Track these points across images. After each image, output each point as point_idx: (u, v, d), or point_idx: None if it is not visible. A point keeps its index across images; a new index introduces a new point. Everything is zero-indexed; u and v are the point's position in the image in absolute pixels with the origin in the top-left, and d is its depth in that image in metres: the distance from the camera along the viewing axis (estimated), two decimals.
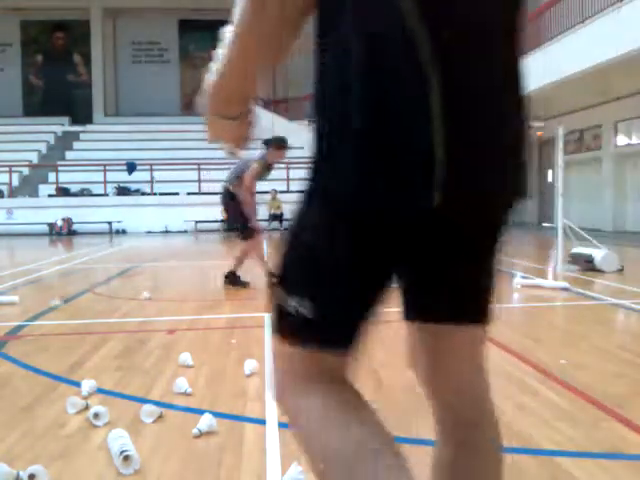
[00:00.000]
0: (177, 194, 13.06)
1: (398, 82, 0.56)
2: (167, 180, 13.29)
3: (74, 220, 12.04)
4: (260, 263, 4.13)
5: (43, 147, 15.07)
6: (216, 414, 1.62)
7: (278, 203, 12.22)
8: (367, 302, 0.69)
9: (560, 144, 4.99)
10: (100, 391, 1.87)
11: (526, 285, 4.09)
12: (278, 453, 1.42)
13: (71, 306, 3.61)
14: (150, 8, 18.15)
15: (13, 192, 13.05)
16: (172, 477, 1.33)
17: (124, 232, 12.25)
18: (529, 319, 3.20)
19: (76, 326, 3.03)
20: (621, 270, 4.64)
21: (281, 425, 1.60)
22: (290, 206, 12.58)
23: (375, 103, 0.57)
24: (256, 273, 4.35)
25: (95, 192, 13.15)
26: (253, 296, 3.74)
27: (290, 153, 15.76)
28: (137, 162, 13.09)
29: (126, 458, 1.34)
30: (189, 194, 13.14)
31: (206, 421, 1.56)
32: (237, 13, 0.66)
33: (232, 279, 4.02)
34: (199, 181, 13.17)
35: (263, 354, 2.33)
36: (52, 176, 13.37)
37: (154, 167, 13.23)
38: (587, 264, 4.71)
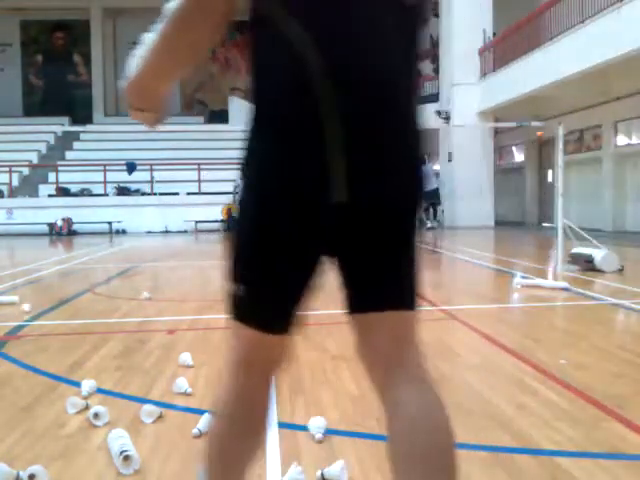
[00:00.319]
0: (177, 194, 13.06)
1: (304, 114, 0.68)
2: (167, 180, 13.28)
3: (74, 220, 12.04)
4: None
5: (43, 147, 15.07)
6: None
7: None
8: (292, 289, 0.80)
9: (560, 144, 4.99)
10: (100, 391, 1.87)
11: (526, 285, 4.09)
12: (278, 453, 1.42)
13: (71, 306, 3.61)
14: (150, 8, 18.05)
15: (13, 192, 13.04)
16: (172, 477, 1.33)
17: (124, 232, 12.25)
18: (529, 319, 3.20)
19: (76, 326, 3.03)
20: (621, 270, 4.64)
21: (281, 425, 1.60)
22: None
23: (284, 124, 0.69)
24: None
25: (95, 192, 13.15)
26: None
27: None
28: (137, 162, 13.09)
29: (126, 458, 1.34)
30: (189, 194, 13.14)
31: (206, 421, 1.55)
32: (167, 17, 0.74)
33: None
34: (199, 181, 13.17)
35: None
36: (52, 176, 13.36)
37: (154, 167, 13.22)
38: (587, 264, 4.71)
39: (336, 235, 0.76)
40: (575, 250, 4.91)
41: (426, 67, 16.10)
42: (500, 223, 12.73)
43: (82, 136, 15.82)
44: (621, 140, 10.37)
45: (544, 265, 5.47)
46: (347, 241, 0.78)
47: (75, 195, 12.91)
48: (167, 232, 12.43)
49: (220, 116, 17.53)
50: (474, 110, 12.05)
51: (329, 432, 1.52)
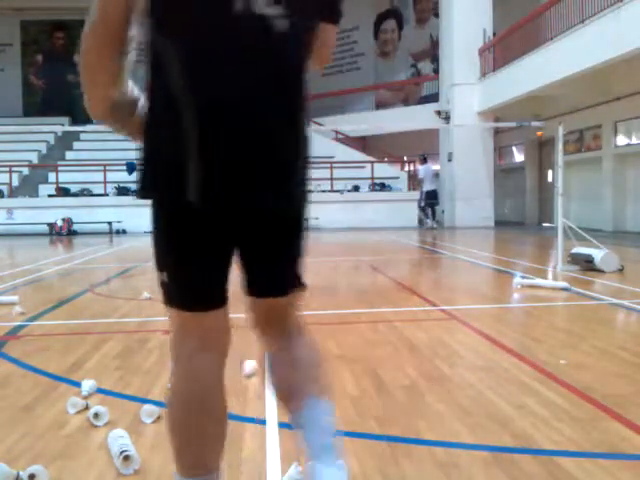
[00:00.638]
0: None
1: (174, 133, 0.84)
2: None
3: (74, 220, 12.03)
4: None
5: (43, 147, 15.06)
6: None
7: None
8: (205, 273, 0.93)
9: (560, 144, 4.98)
10: (100, 391, 1.87)
11: (526, 285, 4.09)
12: (278, 453, 1.42)
13: (71, 306, 3.61)
14: None
15: (13, 192, 13.03)
16: (172, 477, 1.33)
17: (124, 232, 12.24)
18: (529, 319, 3.20)
19: (76, 326, 3.03)
20: (621, 270, 4.64)
21: (281, 425, 1.60)
22: None
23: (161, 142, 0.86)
24: None
25: (95, 192, 13.14)
26: None
27: None
28: (137, 162, 13.06)
29: (126, 458, 1.34)
30: None
31: None
32: (83, 35, 0.87)
33: None
34: None
35: (263, 354, 2.33)
36: (52, 176, 13.35)
37: None
38: (587, 264, 4.71)
39: (226, 230, 0.91)
40: (575, 250, 4.91)
41: (426, 67, 16.12)
42: (500, 223, 12.73)
43: (82, 136, 15.81)
44: (621, 140, 10.37)
45: (544, 265, 5.46)
46: (236, 236, 0.93)
47: (75, 195, 12.90)
48: None
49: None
50: (474, 110, 12.04)
51: None
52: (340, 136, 15.50)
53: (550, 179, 12.47)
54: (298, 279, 1.02)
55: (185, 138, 0.82)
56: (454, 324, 2.94)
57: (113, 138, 15.54)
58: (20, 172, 13.64)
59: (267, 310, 1.03)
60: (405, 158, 12.27)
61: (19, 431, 1.57)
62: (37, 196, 12.99)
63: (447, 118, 12.47)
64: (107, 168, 13.00)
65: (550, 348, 2.41)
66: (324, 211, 12.39)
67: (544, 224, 12.65)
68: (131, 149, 14.07)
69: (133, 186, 13.58)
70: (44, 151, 15.04)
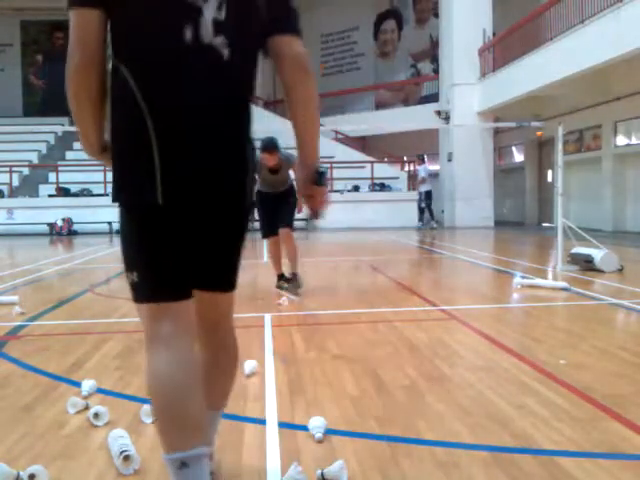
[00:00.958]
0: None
1: (137, 143, 0.96)
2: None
3: (74, 220, 12.02)
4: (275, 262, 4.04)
5: (43, 147, 15.05)
6: None
7: None
8: (175, 267, 1.02)
9: (560, 144, 4.98)
10: (100, 391, 1.87)
11: (526, 285, 4.09)
12: (278, 453, 1.42)
13: (71, 306, 3.60)
14: None
15: (13, 192, 13.02)
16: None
17: None
18: (529, 319, 3.20)
19: (76, 326, 3.03)
20: (621, 270, 4.64)
21: (281, 425, 1.60)
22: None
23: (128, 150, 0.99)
24: (255, 273, 4.35)
25: (95, 192, 13.13)
26: (252, 296, 3.74)
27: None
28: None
29: (126, 458, 1.34)
30: None
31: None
32: (67, 78, 0.98)
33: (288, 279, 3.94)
34: None
35: (263, 354, 2.33)
36: (52, 176, 13.34)
37: None
38: (587, 264, 4.71)
39: (188, 226, 1.02)
40: (575, 250, 4.90)
41: (426, 67, 16.12)
42: (500, 223, 12.73)
43: None
44: (621, 140, 10.37)
45: (544, 265, 5.46)
46: (180, 231, 1.03)
47: (75, 195, 12.89)
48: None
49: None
50: (474, 110, 12.04)
51: (329, 432, 1.52)
52: (340, 136, 15.50)
53: (550, 179, 12.47)
54: (235, 280, 1.14)
55: (149, 151, 0.96)
56: (454, 324, 2.94)
57: None
58: (20, 172, 13.64)
59: (207, 302, 1.11)
60: (405, 158, 12.26)
61: (19, 431, 1.58)
62: (37, 196, 12.99)
63: (447, 118, 12.47)
64: (107, 168, 12.94)
65: (550, 348, 2.41)
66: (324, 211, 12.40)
67: (544, 224, 12.65)
68: None
69: None
70: (44, 151, 15.03)
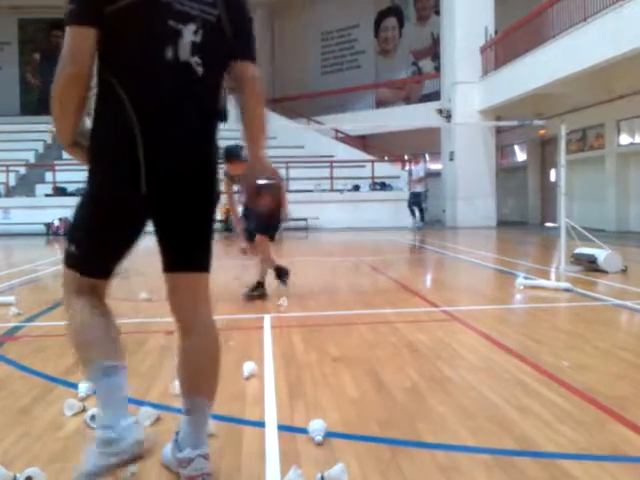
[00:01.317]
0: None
1: (120, 142, 1.15)
2: None
3: None
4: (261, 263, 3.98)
5: (40, 146, 15.01)
6: (214, 417, 1.60)
7: None
8: (109, 249, 1.23)
9: (563, 143, 4.96)
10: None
11: (528, 286, 4.06)
12: (277, 456, 1.41)
13: None
14: None
15: (10, 192, 13.02)
16: (170, 479, 1.32)
17: None
18: (531, 320, 3.18)
19: None
20: (624, 270, 4.61)
21: (280, 428, 1.58)
22: (290, 206, 12.56)
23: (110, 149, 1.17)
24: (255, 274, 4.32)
25: None
26: (252, 297, 3.72)
27: (290, 152, 15.54)
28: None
29: None
30: None
31: None
32: (56, 75, 1.14)
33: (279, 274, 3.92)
34: None
35: (262, 356, 2.31)
36: (49, 176, 13.33)
37: None
38: (590, 264, 4.68)
39: (149, 213, 1.21)
40: (578, 250, 4.88)
41: (427, 65, 16.08)
42: (502, 223, 12.70)
43: None
44: (624, 139, 10.32)
45: (547, 265, 5.44)
46: (157, 218, 1.23)
47: (72, 195, 12.85)
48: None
49: (219, 115, 17.47)
50: (476, 109, 12.00)
51: (329, 435, 1.51)
52: (340, 135, 15.47)
53: (553, 178, 12.43)
54: (209, 261, 1.29)
55: (136, 150, 1.13)
56: (455, 325, 2.92)
57: None
58: (17, 171, 13.62)
59: (183, 285, 1.27)
60: (406, 157, 12.23)
61: (16, 433, 1.56)
62: (34, 196, 12.96)
63: (448, 117, 12.44)
64: None
65: (552, 349, 2.39)
66: (324, 211, 12.38)
67: (547, 224, 12.62)
68: None
69: None
70: (41, 150, 15.01)
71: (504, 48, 11.06)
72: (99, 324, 1.23)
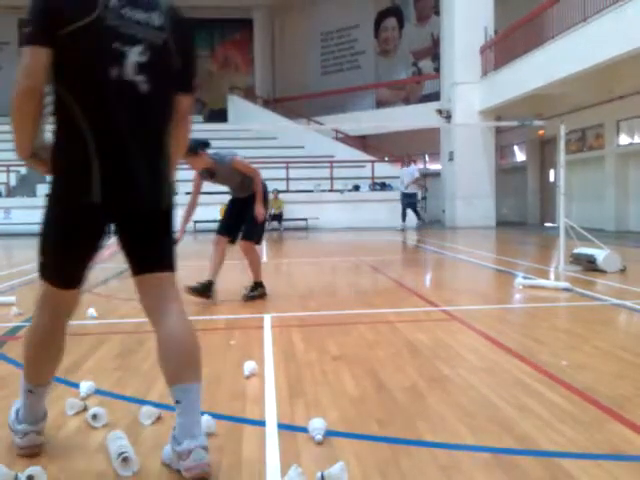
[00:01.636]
0: (176, 194, 13.01)
1: (80, 156, 1.27)
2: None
3: None
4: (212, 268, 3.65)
5: None
6: (215, 416, 1.61)
7: (280, 203, 12.16)
8: (76, 263, 1.36)
9: (562, 143, 4.96)
10: (99, 392, 1.86)
11: (528, 285, 4.07)
12: (278, 455, 1.41)
13: None
14: None
15: (11, 192, 13.02)
16: (171, 479, 1.32)
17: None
18: (531, 320, 3.19)
19: (74, 327, 3.00)
20: (623, 270, 4.62)
21: (280, 427, 1.59)
22: (290, 206, 12.59)
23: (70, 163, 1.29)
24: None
25: None
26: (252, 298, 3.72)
27: (290, 152, 15.49)
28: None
29: (125, 460, 1.34)
30: (187, 193, 13.12)
31: (205, 423, 1.54)
32: (13, 94, 1.23)
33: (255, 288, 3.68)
34: None
35: (262, 356, 2.32)
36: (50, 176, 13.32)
37: None
38: (589, 264, 4.69)
39: (107, 222, 1.34)
40: (577, 250, 4.89)
41: (427, 65, 16.09)
42: (502, 223, 12.70)
43: None
44: (624, 139, 10.34)
45: (546, 265, 5.45)
46: (118, 226, 1.36)
47: None
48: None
49: (219, 115, 17.50)
50: (475, 109, 12.01)
51: (329, 433, 1.51)
52: (340, 135, 15.48)
53: (552, 178, 12.44)
54: (173, 261, 1.42)
55: (89, 162, 1.25)
56: (455, 325, 2.93)
57: None
58: (18, 172, 13.61)
59: (152, 285, 1.39)
60: (408, 157, 12.23)
61: None
62: (35, 196, 12.93)
63: (448, 117, 12.44)
64: None
65: (552, 349, 2.40)
66: (324, 211, 12.38)
67: (546, 224, 12.63)
68: None
69: None
70: None
71: (504, 48, 11.07)
72: (49, 349, 1.40)
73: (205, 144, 3.45)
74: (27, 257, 7.16)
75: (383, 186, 13.03)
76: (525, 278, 4.33)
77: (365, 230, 11.43)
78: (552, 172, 12.46)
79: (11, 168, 13.07)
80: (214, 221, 11.88)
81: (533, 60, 9.67)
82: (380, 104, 16.78)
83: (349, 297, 3.97)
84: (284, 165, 12.90)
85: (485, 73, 11.87)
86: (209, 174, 3.58)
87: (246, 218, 3.62)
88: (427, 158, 16.73)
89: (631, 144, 10.14)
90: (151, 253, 1.39)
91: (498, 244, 8.77)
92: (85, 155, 1.24)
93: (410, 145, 14.39)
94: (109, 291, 4.24)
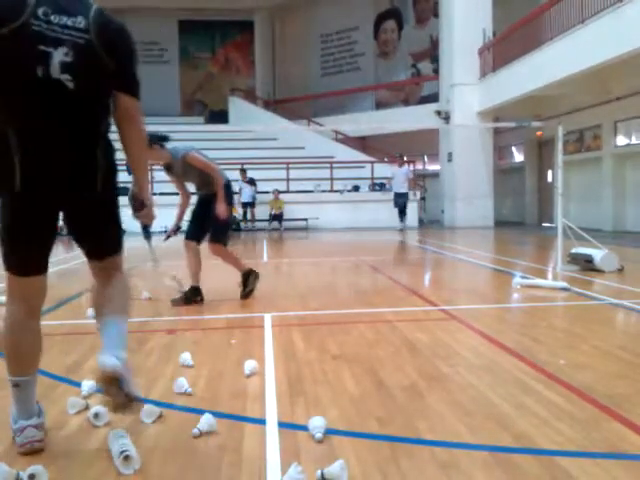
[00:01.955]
0: (177, 194, 13.02)
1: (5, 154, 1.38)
2: (167, 180, 13.22)
3: None
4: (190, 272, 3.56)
5: None
6: (216, 414, 1.62)
7: (280, 203, 12.18)
8: (27, 246, 1.46)
9: (560, 144, 4.98)
10: (100, 391, 1.86)
11: (526, 285, 4.09)
12: (278, 453, 1.42)
13: (71, 306, 3.61)
14: (150, 8, 18.13)
15: None
16: (172, 477, 1.33)
17: (123, 232, 12.22)
18: (529, 319, 3.20)
19: (76, 326, 3.03)
20: (621, 270, 4.64)
21: (281, 425, 1.60)
22: (290, 206, 12.60)
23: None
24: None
25: None
26: (253, 296, 3.74)
27: (290, 153, 15.49)
28: None
29: (126, 458, 1.34)
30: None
31: (206, 421, 1.56)
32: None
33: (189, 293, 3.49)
34: None
35: (263, 354, 2.33)
36: None
37: (154, 167, 13.18)
38: (587, 264, 4.71)
39: (52, 210, 1.46)
40: (575, 250, 4.90)
41: (426, 67, 16.12)
42: (500, 223, 12.73)
43: None
44: (621, 140, 10.37)
45: (544, 265, 5.46)
46: (64, 216, 1.51)
47: None
48: (166, 232, 12.36)
49: (220, 116, 17.51)
50: (474, 110, 12.04)
51: (329, 432, 1.52)
52: (340, 136, 15.49)
53: (550, 179, 12.47)
54: (116, 246, 1.61)
55: (11, 155, 1.36)
56: (454, 324, 2.94)
57: (112, 138, 15.49)
58: None
59: (98, 269, 1.61)
60: (405, 158, 12.26)
61: None
62: None
63: (447, 118, 12.47)
64: None
65: (550, 348, 2.41)
66: (324, 211, 12.39)
67: (544, 224, 12.65)
68: None
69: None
70: None
71: (502, 50, 11.10)
72: (25, 338, 1.47)
73: (162, 138, 3.33)
74: None
75: (382, 186, 13.05)
76: (523, 278, 4.35)
77: (365, 230, 11.44)
78: (550, 173, 12.49)
79: None
80: None
81: (531, 62, 9.70)
82: (379, 105, 16.81)
83: (349, 297, 3.98)
84: (284, 166, 12.91)
85: (483, 74, 11.90)
86: (166, 169, 3.49)
87: (209, 220, 3.46)
88: (426, 159, 16.76)
89: (628, 145, 10.18)
90: (93, 241, 1.56)
91: (496, 244, 8.79)
92: (7, 148, 1.35)
93: (409, 146, 14.42)
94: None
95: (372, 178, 13.09)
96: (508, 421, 1.62)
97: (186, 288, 3.56)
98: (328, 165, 13.13)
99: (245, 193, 11.85)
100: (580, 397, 1.80)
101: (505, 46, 10.97)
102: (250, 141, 14.74)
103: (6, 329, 1.46)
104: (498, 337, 2.59)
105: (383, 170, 13.63)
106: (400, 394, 1.85)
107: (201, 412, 1.61)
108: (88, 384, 1.86)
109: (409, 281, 4.78)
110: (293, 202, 12.31)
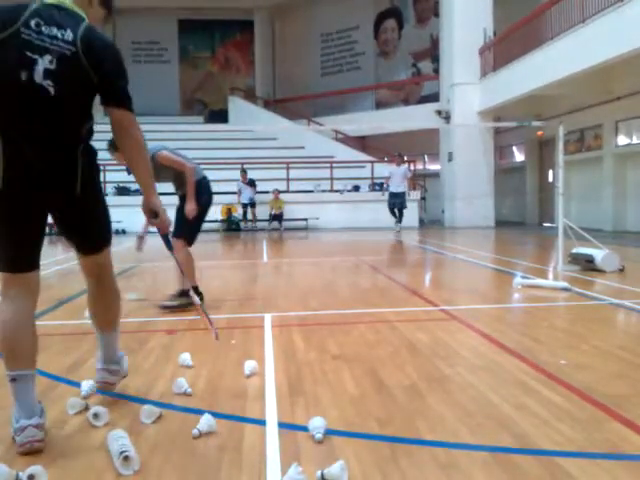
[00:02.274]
0: (177, 194, 13.04)
1: None
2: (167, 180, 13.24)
3: None
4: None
5: None
6: (216, 414, 1.62)
7: (280, 203, 12.18)
8: (16, 243, 1.52)
9: (561, 144, 4.98)
10: (100, 391, 1.87)
11: (526, 285, 4.08)
12: (278, 454, 1.42)
13: (71, 306, 3.60)
14: (150, 8, 18.13)
15: None
16: (172, 477, 1.33)
17: (124, 232, 12.24)
18: (529, 319, 3.20)
19: (75, 326, 3.03)
20: (622, 270, 4.64)
21: (281, 426, 1.60)
22: (290, 206, 12.60)
23: None
24: (255, 273, 4.33)
25: None
26: (253, 297, 3.73)
27: (290, 153, 15.49)
28: None
29: (126, 458, 1.34)
30: None
31: (206, 421, 1.55)
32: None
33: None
34: None
35: (263, 355, 2.33)
36: None
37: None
38: (588, 264, 4.71)
39: (37, 208, 1.53)
40: (576, 250, 4.90)
41: (426, 66, 16.11)
42: (500, 223, 12.72)
43: None
44: (622, 140, 10.36)
45: (545, 265, 5.46)
46: (52, 215, 1.60)
47: None
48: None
49: (220, 116, 17.51)
50: (474, 110, 12.04)
51: (329, 432, 1.52)
52: (340, 136, 15.49)
53: (551, 179, 12.46)
54: (100, 244, 1.69)
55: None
56: (454, 324, 2.94)
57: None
58: None
59: (86, 263, 1.71)
60: (405, 158, 12.26)
61: None
62: None
63: (447, 118, 12.46)
64: (107, 168, 12.98)
65: (550, 348, 2.41)
66: (324, 211, 12.39)
67: (545, 224, 12.64)
68: None
69: (133, 186, 13.65)
70: None
71: (503, 50, 11.09)
72: (20, 331, 1.51)
73: None
74: None
75: (382, 186, 13.06)
76: (524, 278, 4.35)
77: (365, 230, 11.44)
78: (551, 172, 12.48)
79: None
80: (215, 221, 11.98)
81: (532, 61, 9.69)
82: (380, 105, 16.80)
83: (349, 297, 3.98)
84: (284, 165, 12.91)
85: (484, 74, 11.89)
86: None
87: (179, 216, 3.30)
88: (426, 159, 16.76)
89: (629, 145, 10.17)
90: (77, 239, 1.66)
91: (497, 244, 8.78)
92: None
93: (409, 146, 14.42)
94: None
95: (372, 178, 13.10)
96: (508, 421, 1.61)
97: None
98: (328, 165, 13.13)
99: (245, 194, 11.87)
100: (580, 397, 1.80)
101: (506, 46, 10.97)
102: (250, 141, 14.74)
103: (2, 324, 1.50)
104: (498, 337, 2.59)
105: (383, 170, 13.64)
106: (400, 394, 1.85)
107: (201, 412, 1.61)
108: (88, 384, 1.86)
109: (409, 281, 4.77)
110: (293, 202, 12.31)
